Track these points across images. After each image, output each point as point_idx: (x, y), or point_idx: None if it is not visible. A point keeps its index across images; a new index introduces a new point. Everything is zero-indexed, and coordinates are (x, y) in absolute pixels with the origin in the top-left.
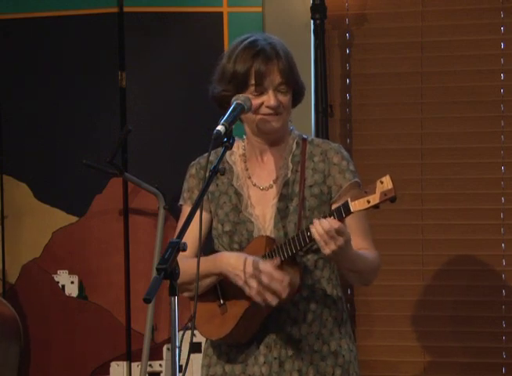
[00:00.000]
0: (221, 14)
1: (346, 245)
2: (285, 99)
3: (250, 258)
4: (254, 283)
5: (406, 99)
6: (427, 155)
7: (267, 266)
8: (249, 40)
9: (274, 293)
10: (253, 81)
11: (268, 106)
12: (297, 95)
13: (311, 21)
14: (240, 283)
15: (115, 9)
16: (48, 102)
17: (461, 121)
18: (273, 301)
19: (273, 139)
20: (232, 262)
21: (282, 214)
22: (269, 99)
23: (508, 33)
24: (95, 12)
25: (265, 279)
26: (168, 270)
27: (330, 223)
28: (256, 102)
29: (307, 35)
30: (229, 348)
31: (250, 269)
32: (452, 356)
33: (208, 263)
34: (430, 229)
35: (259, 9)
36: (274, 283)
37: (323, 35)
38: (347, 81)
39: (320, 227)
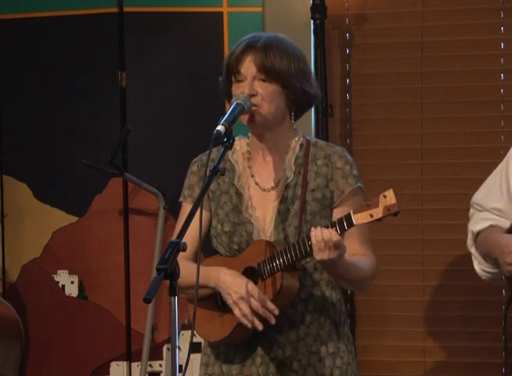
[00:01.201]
0: (221, 14)
1: (338, 259)
2: (265, 90)
3: (246, 282)
4: (244, 307)
5: (406, 99)
6: (427, 155)
7: (261, 294)
8: (246, 37)
9: (260, 318)
10: (233, 69)
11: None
12: (295, 98)
13: (311, 21)
14: (230, 302)
15: (115, 9)
16: (48, 102)
17: (461, 121)
18: (260, 326)
19: (264, 134)
20: (228, 281)
21: (282, 216)
22: (244, 86)
23: (508, 33)
24: (95, 12)
25: (255, 304)
26: (168, 270)
27: (331, 234)
28: (237, 91)
29: (307, 35)
30: (227, 349)
31: (243, 291)
32: (452, 356)
33: (205, 274)
34: (430, 229)
35: (259, 9)
36: (264, 311)
37: (323, 35)
38: (347, 81)
39: (320, 234)
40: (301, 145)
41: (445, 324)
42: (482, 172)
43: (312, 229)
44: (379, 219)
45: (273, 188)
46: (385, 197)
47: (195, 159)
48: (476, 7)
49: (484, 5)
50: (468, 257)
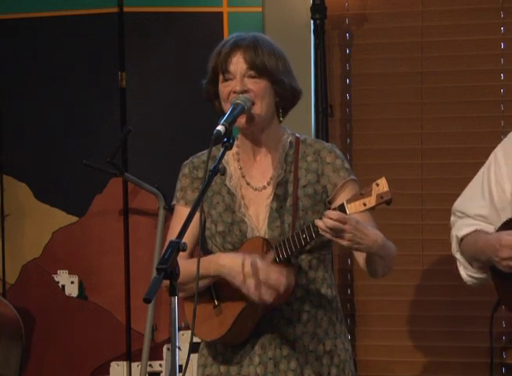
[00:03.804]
0: (221, 14)
1: (360, 227)
2: (256, 86)
3: (247, 258)
4: (251, 283)
5: (406, 99)
6: (427, 155)
7: (263, 263)
8: (230, 37)
9: (271, 289)
10: (220, 69)
11: (234, 92)
12: (283, 94)
13: (311, 21)
14: (238, 283)
15: (115, 9)
16: (48, 102)
17: (461, 121)
18: (270, 297)
19: (257, 133)
20: (228, 264)
21: (275, 214)
22: (235, 84)
23: (508, 33)
24: (95, 12)
25: (262, 276)
26: (168, 270)
27: (330, 216)
28: (226, 90)
29: (307, 35)
30: (224, 349)
31: (247, 268)
32: (452, 356)
33: (204, 264)
34: (430, 229)
35: (259, 9)
36: (271, 279)
37: (323, 35)
38: (347, 81)
39: (322, 223)
40: (291, 142)
41: (445, 324)
42: None
43: (316, 221)
44: (372, 208)
45: (265, 187)
46: (378, 185)
47: (186, 162)
48: (476, 7)
49: (484, 5)
50: None
